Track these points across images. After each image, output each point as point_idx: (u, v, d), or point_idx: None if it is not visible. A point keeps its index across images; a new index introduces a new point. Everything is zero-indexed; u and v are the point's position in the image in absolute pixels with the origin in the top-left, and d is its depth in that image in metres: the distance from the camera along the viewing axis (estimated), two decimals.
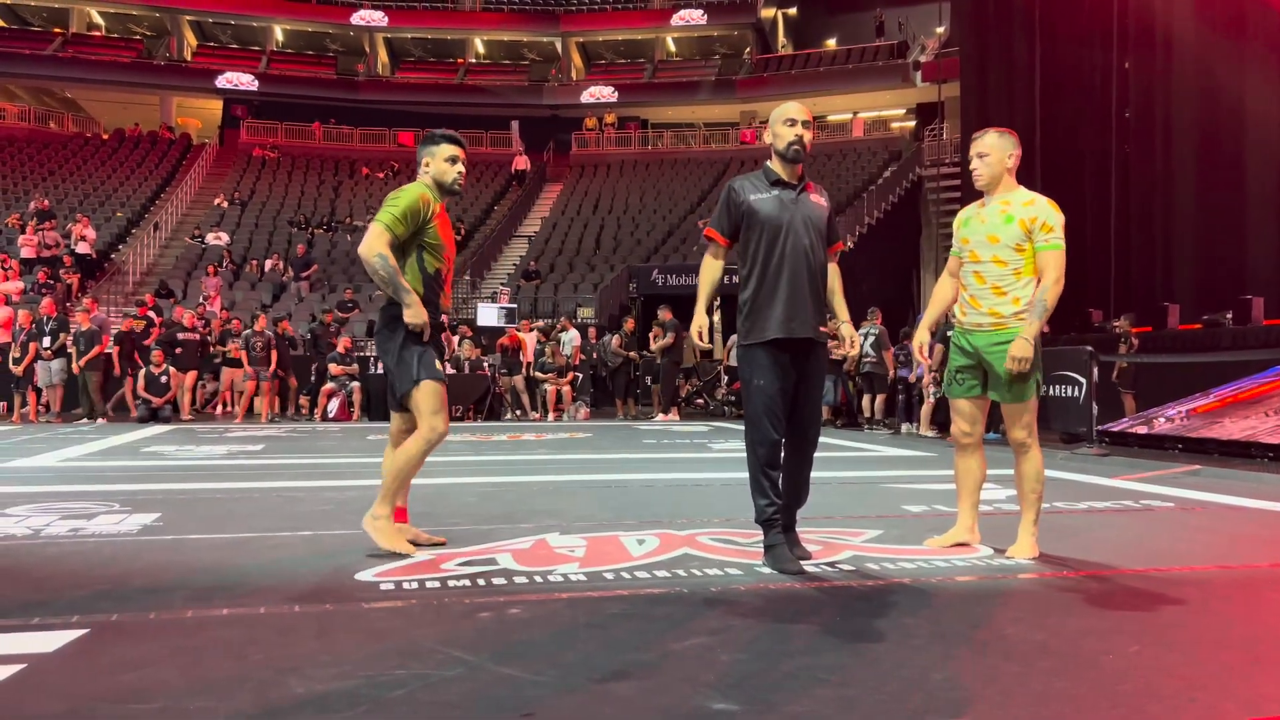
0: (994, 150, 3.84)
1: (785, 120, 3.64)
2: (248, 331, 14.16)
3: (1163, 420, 9.59)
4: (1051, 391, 10.50)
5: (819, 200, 3.74)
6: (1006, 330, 3.75)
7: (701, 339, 3.81)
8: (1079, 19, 17.20)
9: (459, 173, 3.92)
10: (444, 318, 4.01)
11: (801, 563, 3.57)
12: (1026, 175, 18.21)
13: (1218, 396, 9.57)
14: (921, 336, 4.08)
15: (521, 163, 28.84)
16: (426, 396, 3.76)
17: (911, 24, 31.96)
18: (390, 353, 3.83)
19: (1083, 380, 9.86)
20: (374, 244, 3.72)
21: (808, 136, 3.63)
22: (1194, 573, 3.62)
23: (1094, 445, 9.20)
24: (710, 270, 3.79)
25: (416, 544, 3.93)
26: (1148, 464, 7.87)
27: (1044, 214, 3.74)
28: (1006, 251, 3.76)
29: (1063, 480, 6.69)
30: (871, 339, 12.32)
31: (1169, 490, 6.07)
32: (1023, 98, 18.26)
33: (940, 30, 30.25)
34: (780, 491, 3.63)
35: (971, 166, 3.92)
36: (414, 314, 3.75)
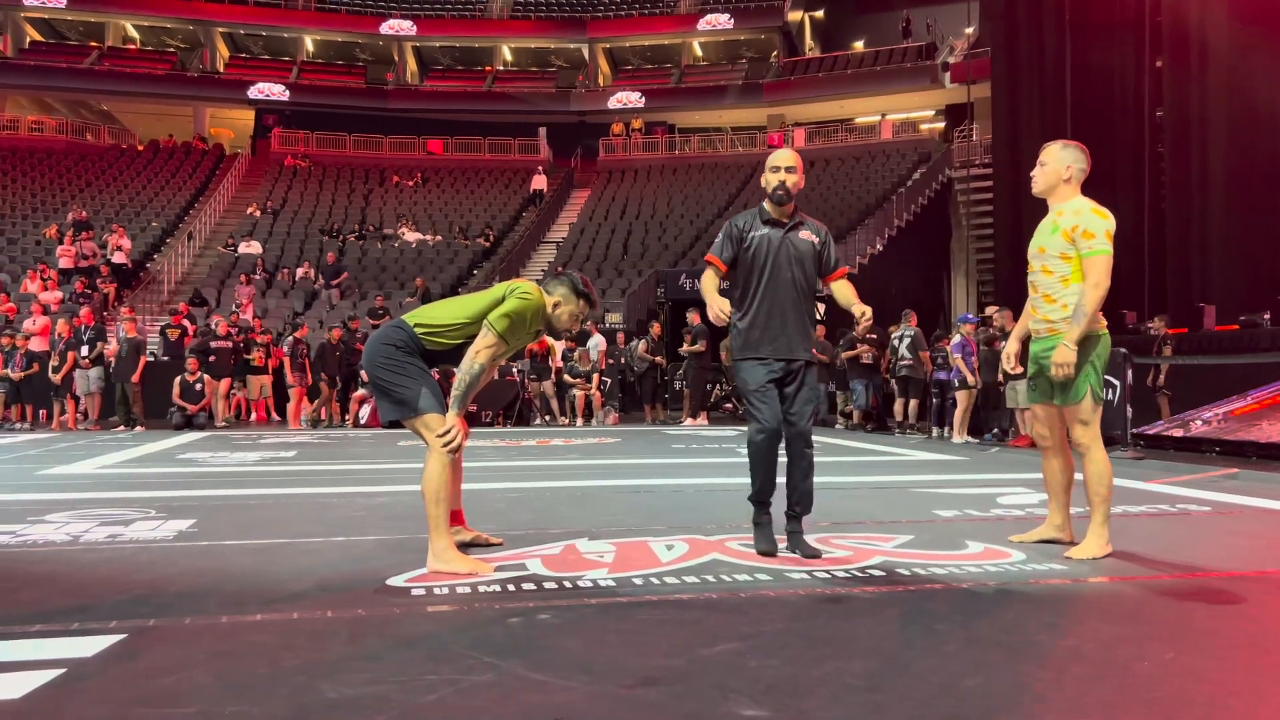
0: (1052, 160, 3.93)
1: (772, 168, 4.08)
2: (291, 339, 14.32)
3: (1199, 423, 9.46)
4: None
5: (808, 236, 4.09)
6: (1056, 336, 3.85)
7: (723, 314, 3.98)
8: (1110, 17, 17.03)
9: (572, 330, 4.07)
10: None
11: (807, 558, 3.83)
12: None
13: (1255, 399, 9.42)
14: (1011, 346, 4.28)
15: (539, 183, 28.75)
16: (431, 424, 3.68)
17: (940, 25, 31.76)
18: (390, 372, 3.72)
19: (1117, 382, 9.75)
20: (480, 352, 3.68)
21: (790, 180, 4.02)
22: (1231, 578, 3.57)
23: (1129, 448, 9.09)
24: (710, 279, 4.17)
25: (475, 544, 4.01)
26: (1184, 467, 7.76)
27: (1085, 221, 3.78)
28: (1053, 261, 3.86)
29: None
30: (907, 341, 12.23)
31: (1206, 494, 5.98)
32: (1053, 97, 18.10)
33: (969, 31, 30.05)
34: (774, 477, 4.01)
35: (1032, 174, 4.01)
36: (452, 422, 3.65)
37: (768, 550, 3.90)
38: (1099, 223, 3.78)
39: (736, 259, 4.08)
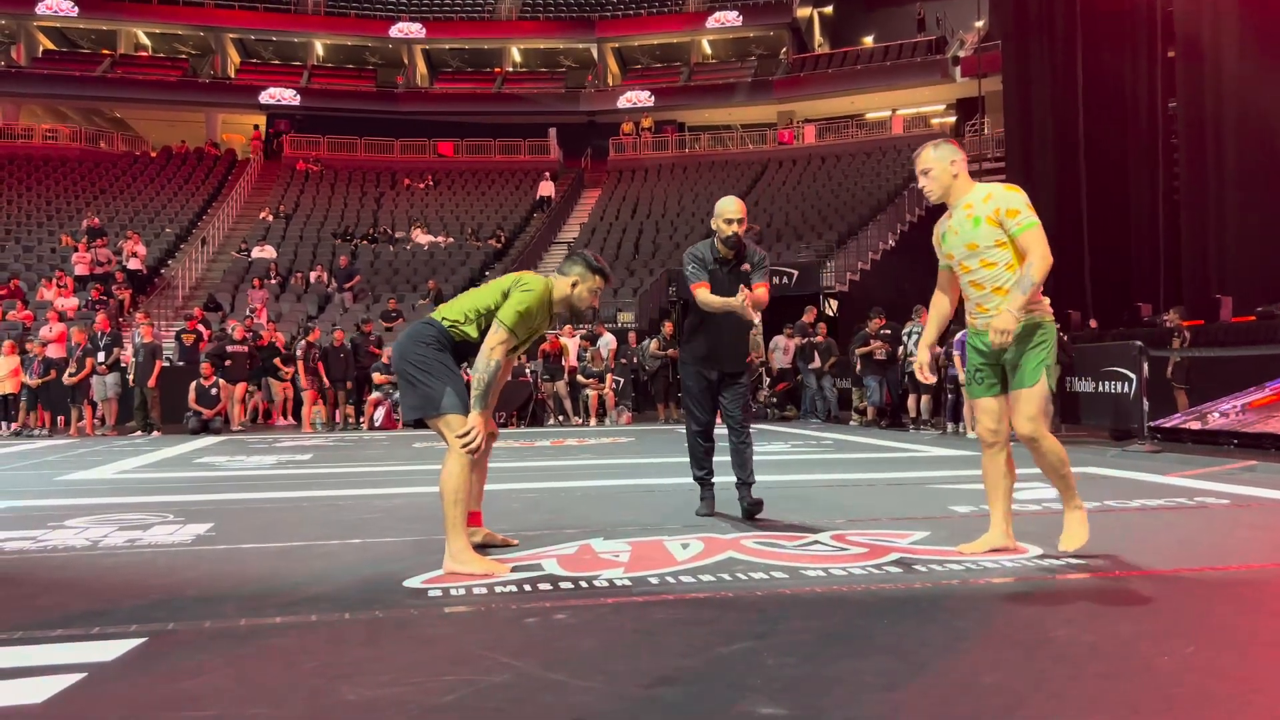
0: (934, 164, 3.79)
1: (724, 219, 4.86)
2: (303, 343, 14.39)
3: (1217, 415, 9.39)
4: (1100, 387, 10.33)
5: (746, 267, 4.96)
6: (1020, 325, 3.66)
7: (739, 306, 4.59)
8: (1121, 7, 16.92)
9: (593, 305, 4.09)
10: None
11: (751, 512, 4.84)
12: (1071, 167, 18.03)
13: (1274, 390, 9.34)
14: (922, 356, 4.05)
15: (546, 189, 28.70)
16: (452, 424, 3.68)
17: (949, 19, 31.65)
18: (414, 367, 3.73)
19: (1133, 375, 9.69)
20: (495, 350, 3.68)
21: (740, 229, 4.88)
22: (1250, 571, 3.55)
23: (1146, 442, 9.03)
24: (706, 293, 4.89)
25: (489, 545, 4.03)
26: (1201, 460, 7.71)
27: (1004, 201, 3.67)
28: (991, 252, 3.70)
29: (1114, 478, 6.58)
30: (916, 337, 12.20)
31: (1224, 487, 5.94)
32: (1065, 88, 17.98)
33: (979, 24, 29.92)
34: (708, 459, 5.11)
35: (919, 185, 3.88)
36: (473, 423, 3.65)
37: (704, 513, 4.99)
38: (1016, 197, 3.68)
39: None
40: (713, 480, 5.10)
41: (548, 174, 29.84)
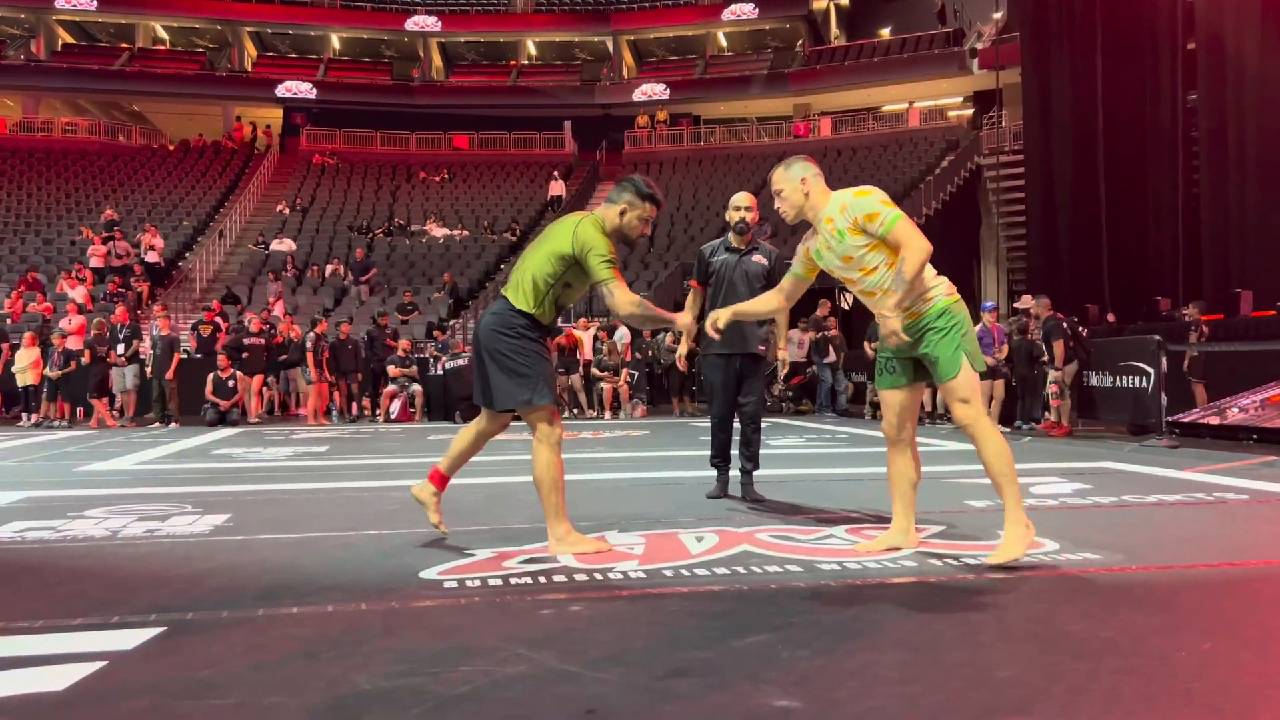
0: (784, 184, 3.68)
1: (734, 207, 5.41)
2: (311, 335, 14.47)
3: (1236, 410, 9.32)
4: (1118, 382, 10.27)
5: (759, 259, 5.37)
6: (921, 317, 3.58)
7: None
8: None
9: (644, 233, 3.97)
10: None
11: (752, 503, 5.14)
12: (1090, 160, 17.94)
13: None
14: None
15: (556, 189, 28.51)
16: (542, 413, 3.74)
17: (967, 10, 31.42)
18: (508, 357, 3.74)
19: (1151, 370, 9.63)
20: (624, 300, 3.67)
21: (749, 217, 5.37)
22: (1269, 567, 3.52)
23: (1164, 437, 8.97)
24: (691, 302, 5.48)
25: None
26: (1220, 455, 7.66)
27: (859, 209, 3.53)
28: (865, 259, 3.58)
29: (1132, 473, 6.54)
30: None
31: (1243, 482, 5.90)
32: (1084, 80, 17.86)
33: (997, 16, 29.70)
34: (727, 449, 5.43)
35: (775, 207, 3.75)
36: (681, 318, 3.97)
37: (714, 495, 5.36)
38: (868, 201, 3.54)
39: (707, 277, 5.44)
40: (728, 466, 5.45)
41: (556, 173, 29.62)
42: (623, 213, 3.81)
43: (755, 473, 5.40)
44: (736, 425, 5.44)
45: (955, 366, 3.54)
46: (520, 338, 3.76)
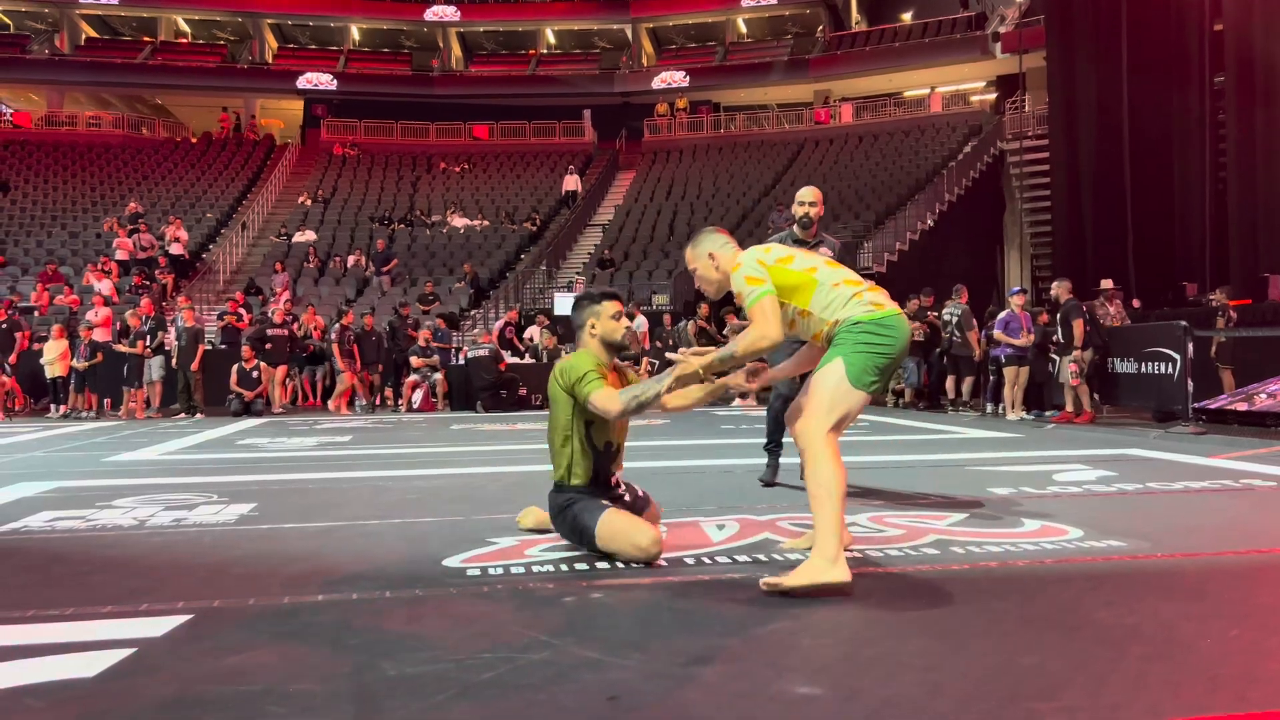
0: (696, 262, 3.48)
1: (799, 202, 5.49)
2: (337, 326, 14.56)
3: (1264, 396, 9.21)
4: (1144, 369, 10.18)
5: (825, 251, 5.27)
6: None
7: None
8: None
9: (626, 327, 3.73)
10: (622, 490, 3.74)
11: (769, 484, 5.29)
12: (1114, 144, 17.71)
13: None
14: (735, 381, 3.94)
15: (571, 183, 28.34)
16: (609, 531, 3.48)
17: None
18: (569, 521, 3.58)
19: (1177, 356, 9.53)
20: (610, 405, 3.41)
21: (814, 212, 5.46)
22: None
23: (1190, 423, 8.89)
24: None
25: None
26: (1248, 442, 7.58)
27: (735, 286, 3.33)
28: (786, 311, 3.33)
29: (1157, 460, 6.49)
30: (955, 319, 12.07)
31: (1271, 469, 5.83)
32: (1109, 62, 17.64)
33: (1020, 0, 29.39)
34: (780, 435, 5.45)
35: (696, 286, 3.61)
36: (682, 368, 3.38)
37: (766, 480, 5.42)
38: (736, 277, 3.29)
39: None
40: (780, 451, 5.50)
41: (571, 167, 29.44)
42: (592, 328, 3.65)
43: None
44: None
45: (832, 358, 3.23)
46: (568, 508, 3.57)
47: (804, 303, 3.28)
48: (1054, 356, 11.00)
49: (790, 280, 3.28)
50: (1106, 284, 11.62)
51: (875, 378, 3.15)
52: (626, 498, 3.71)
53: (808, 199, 5.48)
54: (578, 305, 3.74)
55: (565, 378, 3.55)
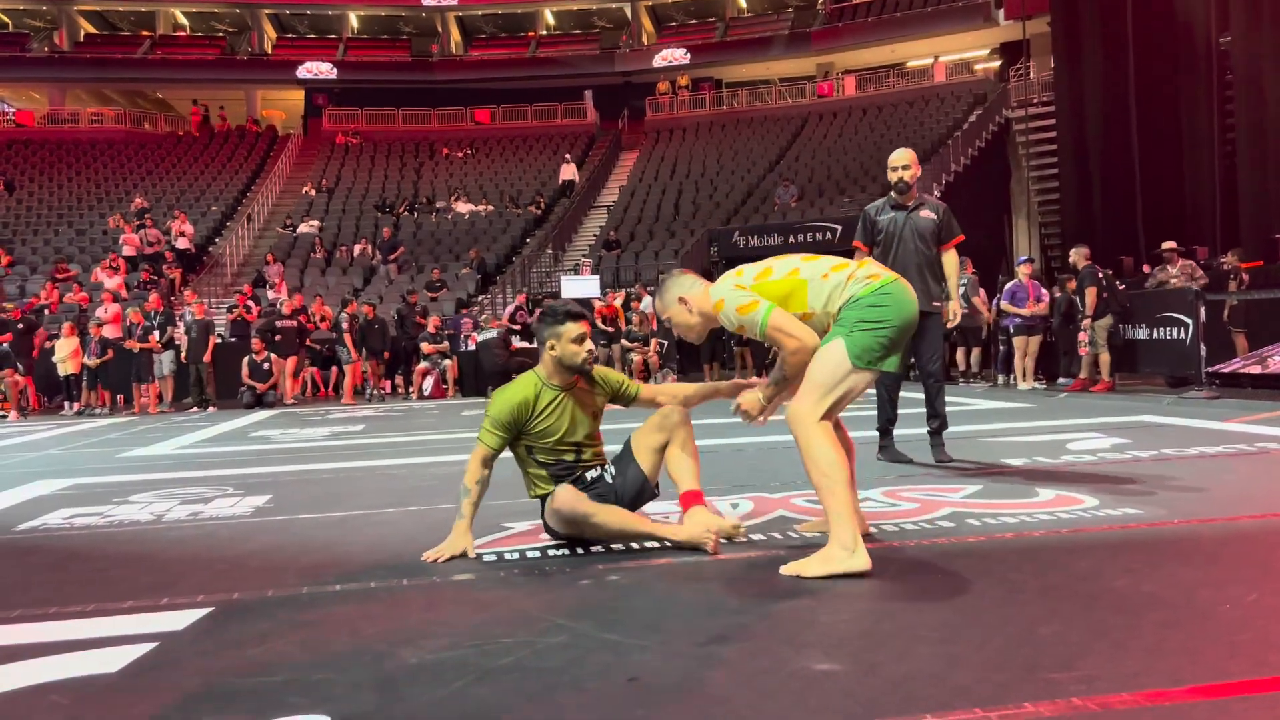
0: (669, 310, 3.38)
1: (892, 167, 5.30)
2: (345, 316, 14.58)
3: (1277, 359, 9.15)
4: (1156, 334, 10.13)
5: (927, 214, 5.26)
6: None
7: None
8: None
9: (589, 351, 3.53)
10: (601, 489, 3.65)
11: (940, 463, 5.10)
12: (1122, 108, 17.52)
13: None
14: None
15: (568, 172, 28.01)
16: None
17: None
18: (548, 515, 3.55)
19: (1189, 321, 9.48)
20: (470, 466, 3.46)
21: (908, 174, 5.24)
22: None
23: (1204, 388, 8.85)
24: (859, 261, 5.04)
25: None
26: (1262, 405, 7.54)
27: (729, 319, 3.21)
28: (778, 335, 3.18)
29: (1172, 425, 6.46)
30: (962, 289, 12.01)
31: None
32: (1114, 25, 17.44)
33: None
34: (894, 410, 5.45)
35: (677, 336, 3.55)
36: (451, 542, 3.37)
37: (902, 460, 5.28)
38: (730, 316, 3.18)
39: (873, 239, 5.35)
40: (894, 429, 5.46)
41: (568, 155, 29.08)
42: (551, 347, 3.49)
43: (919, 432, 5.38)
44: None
45: (830, 337, 3.15)
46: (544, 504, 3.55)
47: (800, 306, 3.17)
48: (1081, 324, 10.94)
49: (778, 291, 3.17)
50: (1169, 245, 11.44)
51: (879, 352, 3.06)
52: (602, 489, 3.61)
53: (900, 162, 5.25)
54: (541, 319, 3.56)
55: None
